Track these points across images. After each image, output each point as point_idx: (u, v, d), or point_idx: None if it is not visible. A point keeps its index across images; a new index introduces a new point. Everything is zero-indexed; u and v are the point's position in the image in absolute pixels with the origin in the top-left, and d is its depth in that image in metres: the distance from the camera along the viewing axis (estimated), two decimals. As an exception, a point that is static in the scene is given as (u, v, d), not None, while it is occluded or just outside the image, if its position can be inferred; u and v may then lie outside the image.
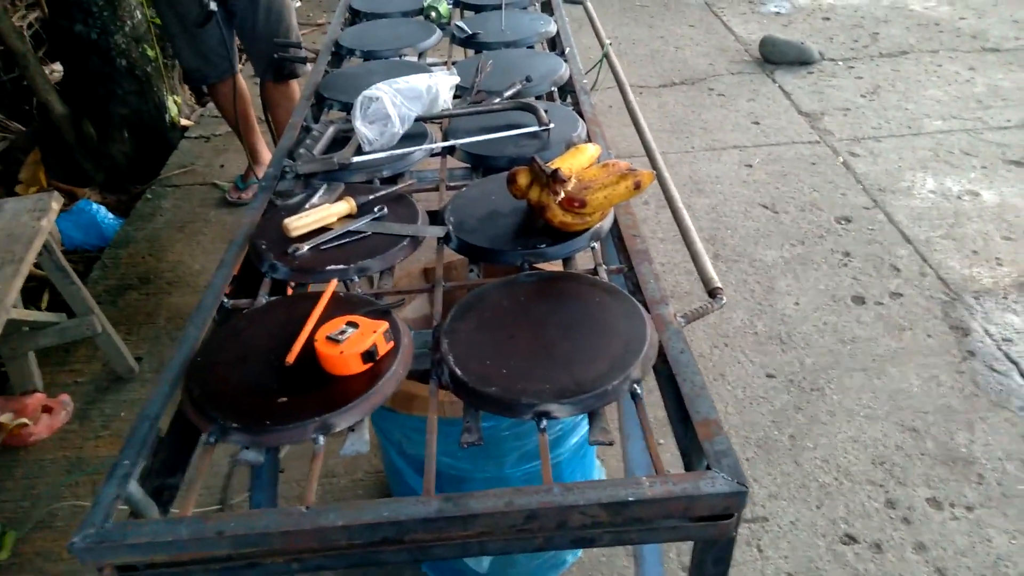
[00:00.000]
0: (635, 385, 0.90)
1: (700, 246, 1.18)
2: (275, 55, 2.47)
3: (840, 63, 4.26)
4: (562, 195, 1.10)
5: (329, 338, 0.92)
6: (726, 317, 2.49)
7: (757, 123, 3.70)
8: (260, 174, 3.28)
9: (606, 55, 1.89)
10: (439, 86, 1.49)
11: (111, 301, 2.73)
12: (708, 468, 0.81)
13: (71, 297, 2.26)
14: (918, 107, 3.73)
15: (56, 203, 2.23)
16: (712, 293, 1.09)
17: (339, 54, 2.02)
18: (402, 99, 1.44)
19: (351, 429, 0.89)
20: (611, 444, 0.89)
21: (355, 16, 2.24)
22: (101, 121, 3.60)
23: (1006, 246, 2.73)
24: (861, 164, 3.30)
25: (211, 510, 1.92)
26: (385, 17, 2.17)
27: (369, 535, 0.76)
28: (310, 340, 0.95)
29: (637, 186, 1.11)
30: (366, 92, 1.43)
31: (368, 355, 0.92)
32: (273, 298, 1.12)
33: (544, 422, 0.87)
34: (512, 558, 1.60)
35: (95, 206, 3.19)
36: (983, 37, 4.42)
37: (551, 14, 2.15)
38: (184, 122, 4.08)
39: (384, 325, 0.94)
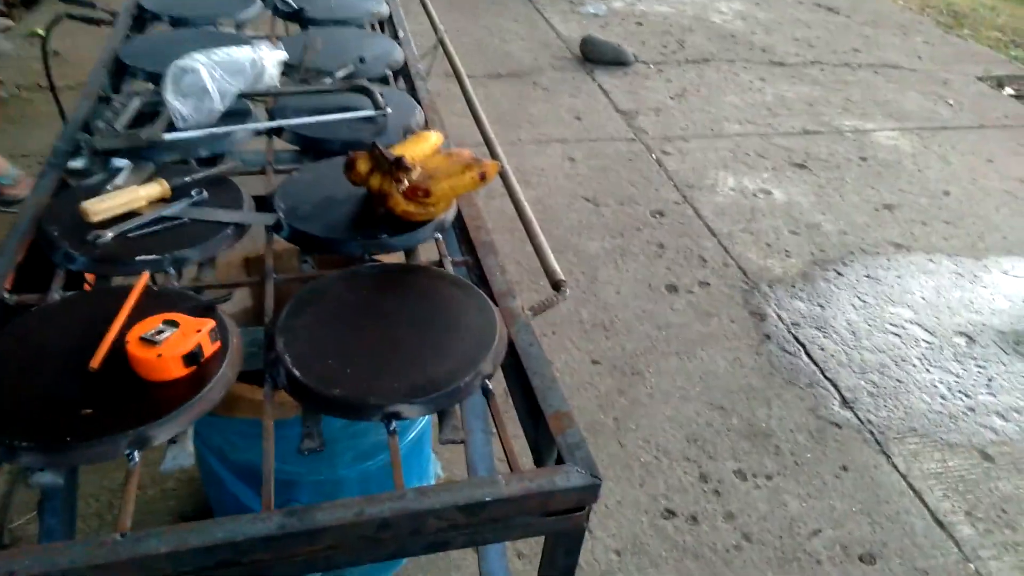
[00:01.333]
0: (486, 380, 0.89)
1: (542, 238, 1.18)
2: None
3: (652, 66, 4.53)
4: (406, 184, 1.06)
5: (143, 339, 0.81)
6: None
7: (579, 119, 3.84)
8: None
9: (441, 41, 1.85)
10: (264, 61, 1.37)
11: None
12: (560, 462, 0.81)
13: None
14: (719, 111, 4.06)
15: None
16: (556, 285, 1.10)
17: (142, 18, 1.80)
18: (221, 72, 1.31)
19: (172, 441, 0.79)
20: (462, 442, 0.87)
21: (161, -23, 2.02)
22: None
23: (793, 240, 3.05)
24: (672, 162, 3.53)
25: (-14, 537, 1.65)
26: (197, -19, 1.98)
27: (200, 560, 0.68)
28: (119, 342, 0.83)
29: (483, 177, 1.09)
30: (179, 62, 1.28)
31: (191, 357, 0.82)
32: (69, 293, 0.97)
33: (394, 424, 0.82)
34: (347, 562, 1.53)
35: None
36: (771, 51, 4.91)
37: (382, -6, 2.07)
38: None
39: (209, 323, 0.85)
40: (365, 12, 1.90)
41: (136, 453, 0.75)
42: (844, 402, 2.29)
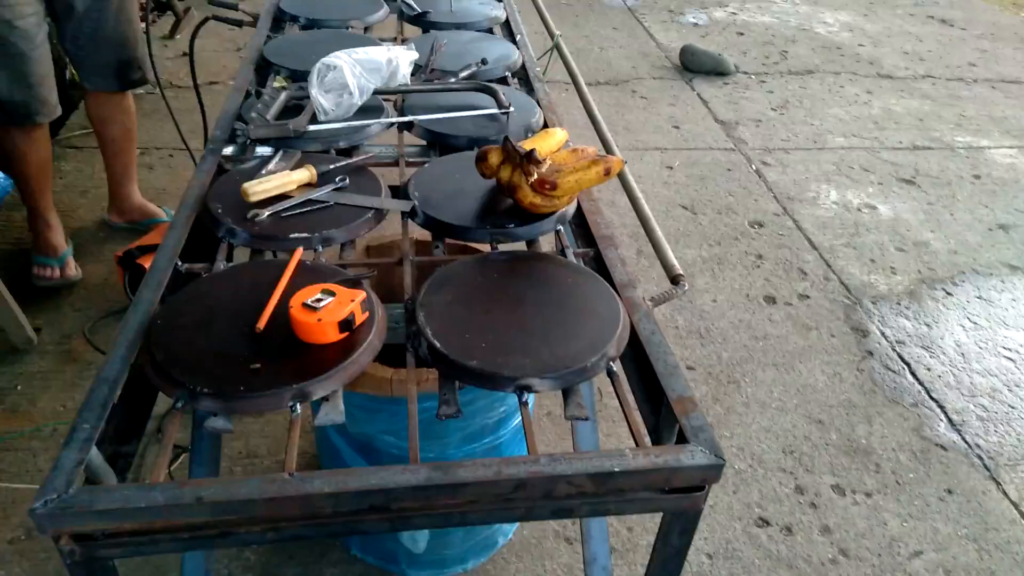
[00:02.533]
0: (611, 363, 0.93)
1: (660, 233, 1.22)
2: (123, 59, 2.33)
3: (752, 77, 4.47)
4: (535, 176, 1.11)
5: (305, 305, 0.89)
6: (649, 311, 2.57)
7: (677, 127, 3.84)
8: (61, 243, 2.49)
9: (557, 46, 1.92)
10: (399, 60, 1.46)
11: (4, 267, 2.52)
12: (683, 442, 0.84)
13: (-38, 260, 2.06)
14: (822, 124, 3.97)
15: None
16: (675, 280, 1.14)
17: (280, 19, 1.94)
18: (361, 70, 1.41)
19: (325, 399, 0.87)
20: (586, 419, 0.91)
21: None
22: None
23: (899, 256, 2.96)
24: (772, 173, 3.48)
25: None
26: (329, -13, 2.11)
27: (356, 503, 0.75)
28: (281, 307, 0.92)
29: (607, 172, 1.14)
30: (325, 60, 1.39)
31: (345, 324, 0.90)
32: (233, 263, 1.07)
33: (525, 396, 0.88)
34: (447, 539, 1.60)
35: (-16, 164, 2.92)
36: (878, 64, 4.76)
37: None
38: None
39: (361, 295, 0.92)
40: (483, 16, 1.98)
41: (298, 405, 0.83)
42: (951, 424, 2.21)
